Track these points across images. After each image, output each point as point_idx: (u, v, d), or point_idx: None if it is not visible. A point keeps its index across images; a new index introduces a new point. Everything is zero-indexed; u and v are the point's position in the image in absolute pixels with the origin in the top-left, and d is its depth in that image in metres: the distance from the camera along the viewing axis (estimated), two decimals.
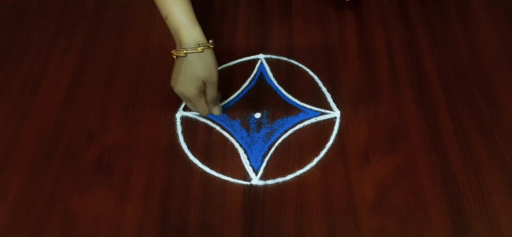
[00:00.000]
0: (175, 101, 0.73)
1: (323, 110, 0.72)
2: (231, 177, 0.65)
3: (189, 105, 0.70)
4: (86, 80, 0.77)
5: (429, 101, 0.71)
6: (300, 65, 0.77)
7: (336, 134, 0.69)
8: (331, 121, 0.70)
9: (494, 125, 0.68)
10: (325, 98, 0.73)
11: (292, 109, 0.72)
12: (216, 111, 0.69)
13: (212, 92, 0.66)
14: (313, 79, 0.76)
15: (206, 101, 0.68)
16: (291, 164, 0.66)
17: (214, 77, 0.64)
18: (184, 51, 0.61)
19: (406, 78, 0.74)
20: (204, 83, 0.65)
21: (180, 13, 0.61)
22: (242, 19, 0.85)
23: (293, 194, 0.63)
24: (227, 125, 0.70)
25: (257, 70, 0.77)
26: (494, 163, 0.64)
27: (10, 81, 0.77)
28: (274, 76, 0.76)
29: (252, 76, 0.76)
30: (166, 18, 0.63)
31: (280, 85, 0.75)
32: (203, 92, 0.66)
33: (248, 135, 0.69)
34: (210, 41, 0.63)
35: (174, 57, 0.63)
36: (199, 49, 0.61)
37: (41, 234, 0.61)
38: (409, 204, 0.61)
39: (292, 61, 0.78)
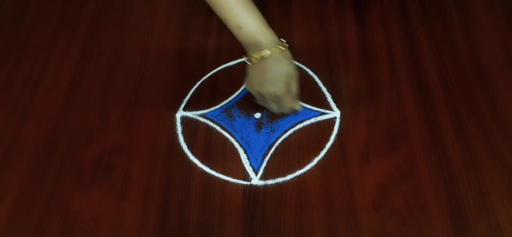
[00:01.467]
0: (175, 101, 0.73)
1: (323, 110, 0.72)
2: (231, 177, 0.65)
3: (272, 106, 0.67)
4: (86, 80, 0.77)
5: (429, 101, 0.71)
6: (300, 65, 0.77)
7: (336, 134, 0.69)
8: (331, 121, 0.70)
9: (494, 125, 0.68)
10: (325, 98, 0.73)
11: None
12: (299, 105, 0.68)
13: (295, 86, 0.66)
14: (313, 79, 0.76)
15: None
16: (291, 164, 0.66)
17: (296, 71, 0.64)
18: (268, 52, 0.61)
19: (406, 78, 0.74)
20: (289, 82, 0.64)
21: (256, 20, 0.62)
22: None
23: (293, 194, 0.63)
24: (227, 125, 0.70)
25: None
26: (494, 163, 0.64)
27: (10, 81, 0.78)
28: None
29: None
30: (241, 28, 0.62)
31: None
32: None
33: (248, 135, 0.69)
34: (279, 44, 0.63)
35: (254, 61, 0.62)
36: (281, 46, 0.62)
37: (41, 234, 0.61)
38: (409, 204, 0.61)
39: None
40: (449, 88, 0.73)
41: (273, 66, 0.63)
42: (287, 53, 0.63)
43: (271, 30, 0.63)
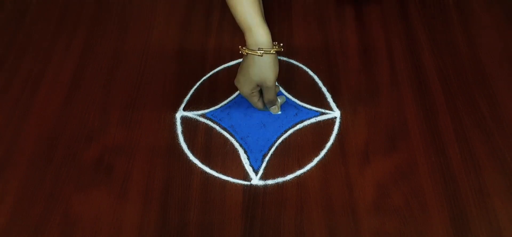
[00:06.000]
0: (175, 101, 0.73)
1: (323, 110, 0.72)
2: (231, 177, 0.65)
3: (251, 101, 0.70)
4: (86, 80, 0.77)
5: (429, 101, 0.71)
6: (300, 65, 0.77)
7: (336, 134, 0.69)
8: (331, 121, 0.70)
9: (494, 125, 0.68)
10: (325, 98, 0.73)
11: (292, 109, 0.72)
12: (273, 111, 0.71)
13: (267, 95, 0.68)
14: (313, 79, 0.76)
15: (263, 100, 0.70)
16: (291, 164, 0.66)
17: (268, 82, 0.64)
18: (246, 51, 0.62)
19: (406, 78, 0.74)
20: (260, 86, 0.66)
21: (245, 15, 0.62)
22: None
23: (293, 194, 0.63)
24: (227, 125, 0.70)
25: None
26: (494, 163, 0.64)
27: (10, 81, 0.77)
28: None
29: None
30: (235, 17, 0.63)
31: (280, 85, 0.75)
32: (260, 91, 0.68)
33: (248, 135, 0.69)
34: (275, 46, 0.62)
35: (243, 53, 0.64)
36: (259, 52, 0.61)
37: (41, 234, 0.61)
38: (409, 204, 0.61)
39: (292, 61, 0.78)
40: (449, 88, 0.73)
41: (244, 67, 0.64)
42: (265, 61, 0.62)
43: (262, 29, 0.62)
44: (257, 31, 0.61)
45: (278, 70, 0.64)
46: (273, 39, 0.63)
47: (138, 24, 0.85)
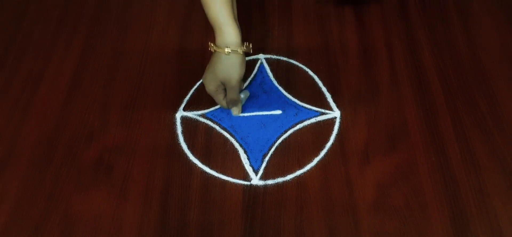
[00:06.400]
0: (175, 101, 0.73)
1: (323, 110, 0.72)
2: (231, 177, 0.65)
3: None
4: (86, 80, 0.77)
5: (429, 101, 0.71)
6: (300, 65, 0.77)
7: (336, 134, 0.69)
8: (331, 121, 0.70)
9: (494, 125, 0.68)
10: (325, 98, 0.73)
11: (292, 109, 0.72)
12: (234, 111, 0.70)
13: (230, 94, 0.68)
14: (313, 79, 0.76)
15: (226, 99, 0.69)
16: (291, 164, 0.66)
17: (233, 81, 0.65)
18: (214, 48, 0.63)
19: (406, 78, 0.74)
20: (224, 84, 0.66)
21: (217, 14, 0.63)
22: (242, 19, 0.85)
23: (293, 194, 0.63)
24: (227, 125, 0.70)
25: (257, 70, 0.77)
26: (494, 163, 0.64)
27: (10, 81, 0.77)
28: (274, 76, 0.76)
29: (252, 76, 0.76)
30: (207, 15, 0.65)
31: (280, 85, 0.75)
32: (224, 90, 0.68)
33: (248, 135, 0.69)
34: (244, 46, 0.63)
35: (211, 50, 0.65)
36: (226, 51, 0.62)
37: (41, 234, 0.61)
38: (409, 204, 0.61)
39: (292, 61, 0.78)
40: (449, 88, 0.73)
41: (211, 64, 0.65)
42: (231, 60, 0.63)
43: (233, 28, 0.63)
44: (227, 30, 0.62)
45: (243, 71, 0.65)
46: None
47: (138, 24, 0.85)
